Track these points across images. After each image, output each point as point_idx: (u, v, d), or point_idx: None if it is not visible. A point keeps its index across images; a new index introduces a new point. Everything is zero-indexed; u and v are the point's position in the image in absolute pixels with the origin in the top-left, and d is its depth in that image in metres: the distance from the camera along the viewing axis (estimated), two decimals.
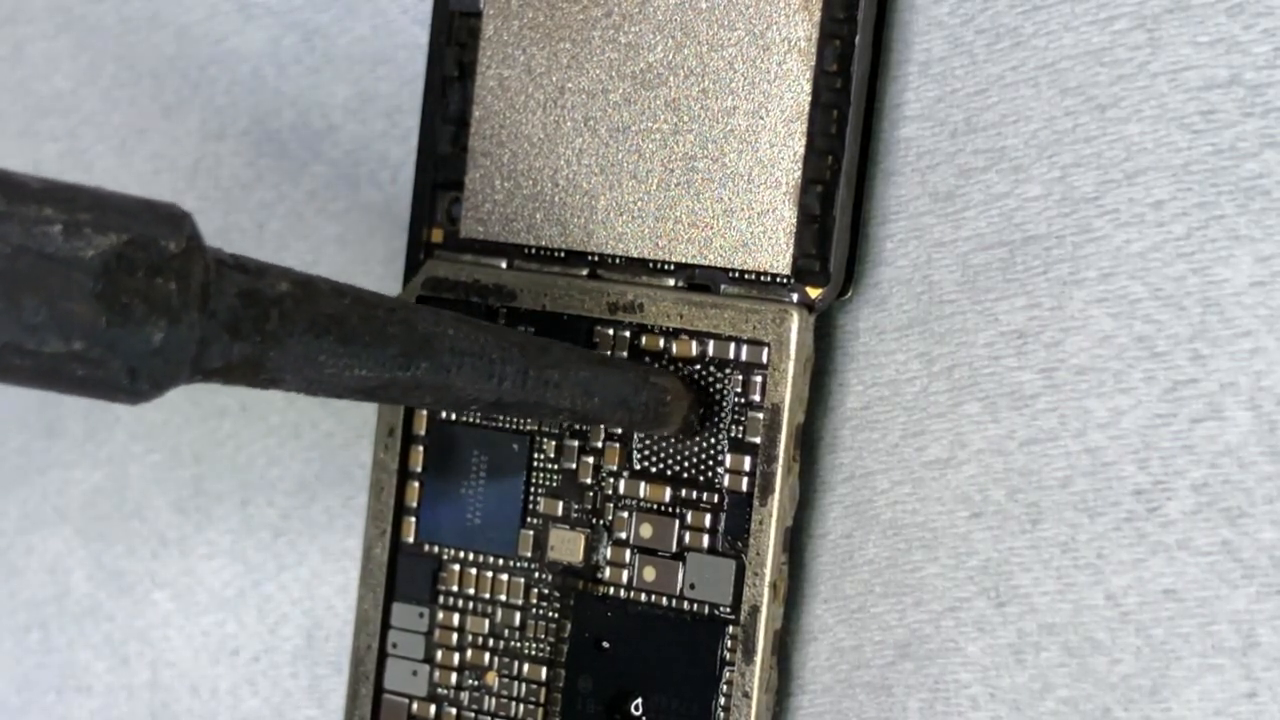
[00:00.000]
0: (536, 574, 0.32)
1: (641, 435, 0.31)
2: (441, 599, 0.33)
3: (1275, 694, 0.28)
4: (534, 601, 0.32)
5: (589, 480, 0.32)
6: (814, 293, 0.31)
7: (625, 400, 0.30)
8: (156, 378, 0.24)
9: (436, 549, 0.33)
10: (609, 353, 0.31)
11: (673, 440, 0.31)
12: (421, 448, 0.33)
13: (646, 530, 0.31)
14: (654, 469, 0.31)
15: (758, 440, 0.31)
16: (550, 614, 0.32)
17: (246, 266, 0.25)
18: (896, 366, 0.31)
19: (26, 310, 0.23)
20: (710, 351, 0.31)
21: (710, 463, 0.31)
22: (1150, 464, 0.29)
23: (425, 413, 0.33)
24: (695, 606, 0.31)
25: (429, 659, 0.33)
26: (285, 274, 0.26)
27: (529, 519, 0.32)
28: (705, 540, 0.31)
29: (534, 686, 0.32)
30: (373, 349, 0.26)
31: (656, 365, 0.31)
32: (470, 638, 0.33)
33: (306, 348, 0.26)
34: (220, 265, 0.25)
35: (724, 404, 0.31)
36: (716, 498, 0.31)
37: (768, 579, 0.30)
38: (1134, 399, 0.29)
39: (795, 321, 0.30)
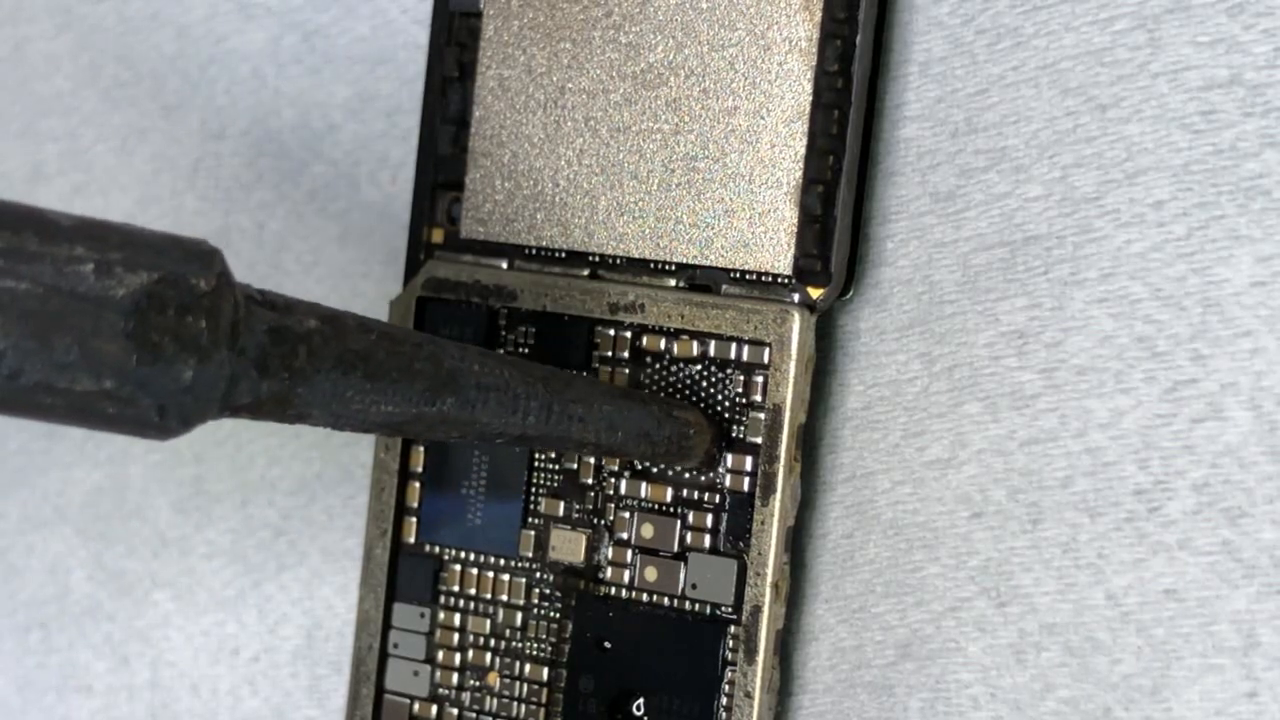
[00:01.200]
0: (538, 574, 0.32)
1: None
2: (443, 599, 0.33)
3: (1276, 694, 0.28)
4: (535, 602, 0.32)
5: (590, 480, 0.32)
6: (815, 293, 0.31)
7: (649, 433, 0.30)
8: (185, 415, 0.24)
9: (437, 549, 0.33)
10: (640, 389, 0.32)
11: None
12: (422, 448, 0.33)
13: (648, 530, 0.31)
14: (655, 469, 0.31)
15: (759, 440, 0.31)
16: (552, 614, 0.32)
17: (275, 303, 0.25)
18: (897, 366, 0.31)
19: (58, 350, 0.23)
20: (711, 352, 0.31)
21: (707, 469, 0.31)
22: (1151, 464, 0.29)
23: None
24: (697, 607, 0.31)
25: (430, 659, 0.33)
26: (313, 310, 0.26)
27: (530, 519, 0.32)
28: (707, 540, 0.31)
29: (535, 687, 0.32)
30: (400, 385, 0.26)
31: (679, 397, 0.31)
32: (471, 638, 0.33)
33: (334, 384, 0.26)
34: (249, 302, 0.25)
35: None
36: (718, 498, 0.31)
37: (769, 579, 0.30)
38: (1134, 399, 0.29)
39: (796, 322, 0.30)
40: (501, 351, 0.33)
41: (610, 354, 0.32)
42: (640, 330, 0.32)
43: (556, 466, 0.32)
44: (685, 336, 0.31)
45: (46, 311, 0.23)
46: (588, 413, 0.29)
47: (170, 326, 0.24)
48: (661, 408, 0.30)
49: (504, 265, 0.33)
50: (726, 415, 0.31)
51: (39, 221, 0.23)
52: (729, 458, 0.31)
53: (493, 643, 0.33)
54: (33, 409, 0.23)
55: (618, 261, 0.32)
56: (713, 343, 0.31)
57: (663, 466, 0.31)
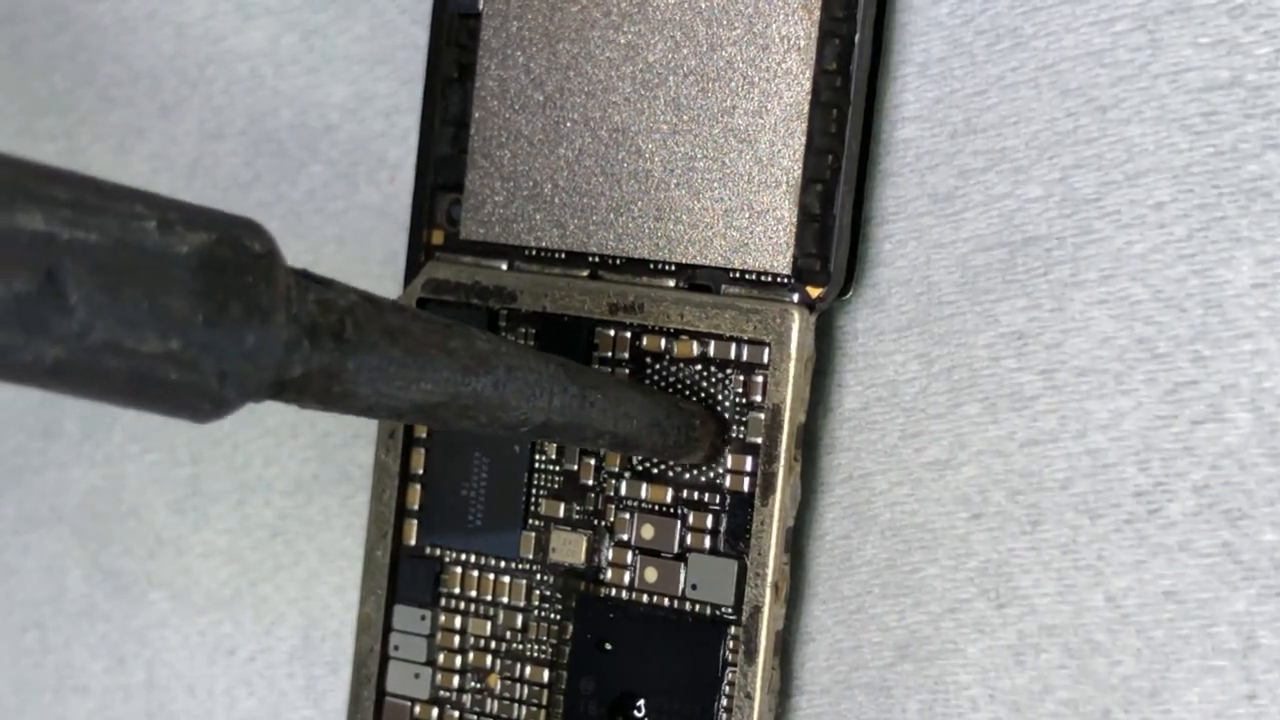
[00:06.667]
0: (538, 576, 0.32)
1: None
2: (443, 601, 0.33)
3: (1275, 696, 0.28)
4: (536, 603, 0.32)
5: (590, 481, 0.32)
6: (814, 292, 0.31)
7: (660, 423, 0.30)
8: (243, 385, 0.23)
9: (438, 551, 0.33)
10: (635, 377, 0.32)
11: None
12: (423, 450, 0.33)
13: (648, 531, 0.31)
14: (655, 470, 0.31)
15: (759, 440, 0.31)
16: (552, 616, 0.32)
17: (314, 276, 0.25)
18: (895, 367, 0.31)
19: (127, 304, 0.22)
20: (711, 352, 0.31)
21: (712, 463, 0.31)
22: (1151, 465, 0.29)
23: None
24: (697, 607, 0.31)
25: (431, 661, 0.33)
26: (349, 287, 0.25)
27: (531, 521, 0.32)
28: (707, 541, 0.31)
29: (536, 688, 0.32)
30: (438, 362, 0.26)
31: (682, 394, 0.31)
32: (472, 640, 0.33)
33: (379, 359, 0.25)
34: (293, 272, 0.24)
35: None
36: (718, 498, 0.31)
37: (769, 579, 0.30)
38: (1135, 400, 0.29)
39: (796, 321, 0.30)
40: None
41: (610, 355, 0.32)
42: (640, 331, 0.32)
43: (557, 468, 0.32)
44: (685, 337, 0.31)
45: (117, 264, 0.22)
46: (606, 399, 0.29)
47: (232, 287, 0.23)
48: (668, 399, 0.30)
49: (504, 266, 0.33)
50: (726, 415, 0.31)
51: (92, 180, 0.22)
52: (729, 458, 0.31)
53: (493, 644, 0.33)
54: (93, 376, 0.22)
55: (617, 262, 0.32)
56: (712, 343, 0.31)
57: (663, 467, 0.31)
